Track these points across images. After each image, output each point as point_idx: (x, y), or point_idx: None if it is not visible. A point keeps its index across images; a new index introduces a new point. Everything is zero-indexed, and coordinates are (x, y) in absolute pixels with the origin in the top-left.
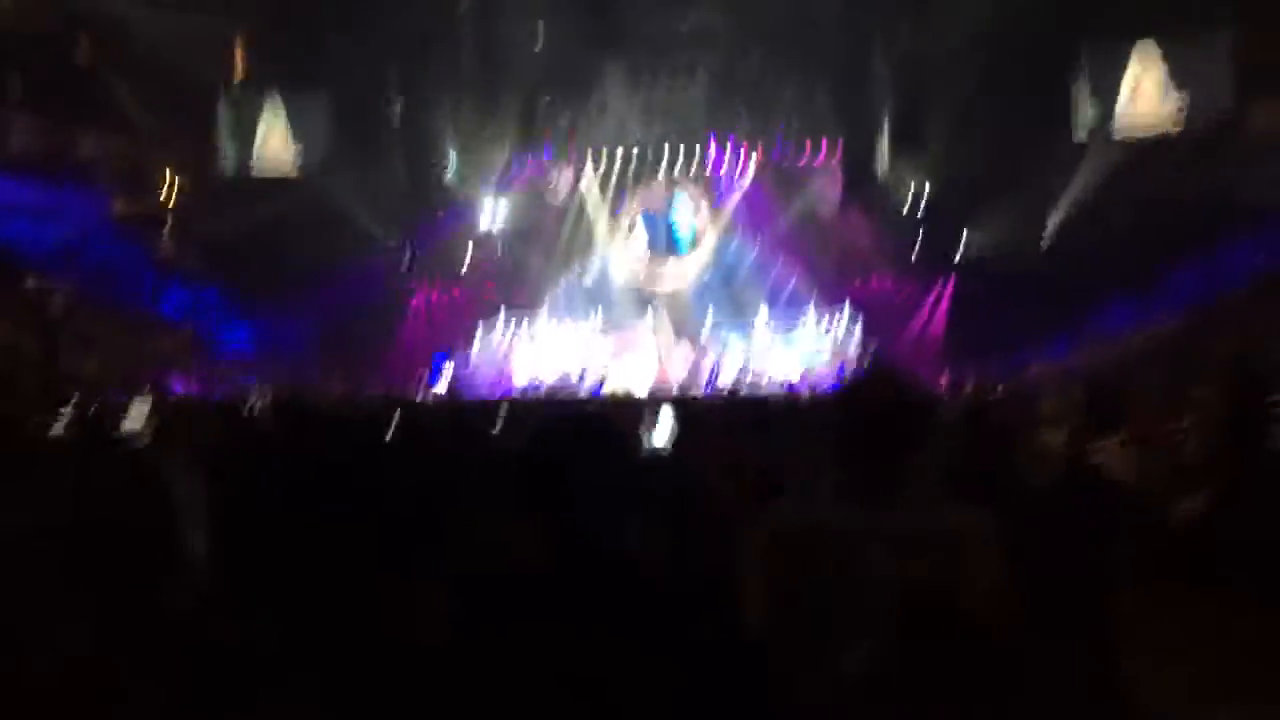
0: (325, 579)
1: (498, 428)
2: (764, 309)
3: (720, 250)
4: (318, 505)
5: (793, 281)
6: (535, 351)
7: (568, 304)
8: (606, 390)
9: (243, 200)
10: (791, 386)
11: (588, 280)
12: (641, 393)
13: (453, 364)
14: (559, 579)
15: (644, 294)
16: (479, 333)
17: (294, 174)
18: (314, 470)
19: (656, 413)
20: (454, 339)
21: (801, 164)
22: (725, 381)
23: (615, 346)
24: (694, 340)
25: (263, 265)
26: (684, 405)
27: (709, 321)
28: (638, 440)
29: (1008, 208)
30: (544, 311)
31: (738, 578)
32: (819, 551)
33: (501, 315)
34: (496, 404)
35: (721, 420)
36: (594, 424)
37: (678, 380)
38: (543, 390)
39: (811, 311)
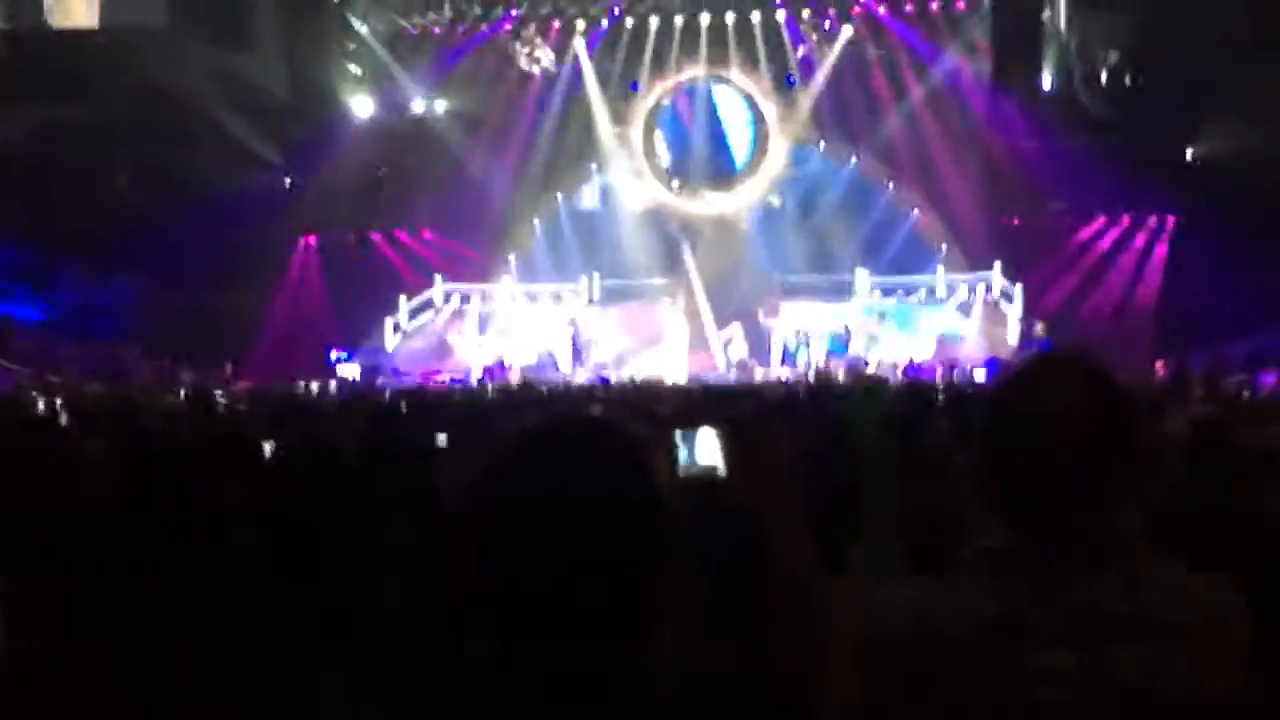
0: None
1: (436, 439)
2: (862, 271)
3: (794, 169)
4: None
5: (912, 220)
6: (498, 325)
7: (550, 256)
8: (618, 377)
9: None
10: (914, 371)
11: (576, 217)
12: (674, 378)
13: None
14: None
15: (669, 237)
16: (406, 300)
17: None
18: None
19: (695, 411)
20: (368, 308)
21: (922, 26)
22: (805, 366)
23: (623, 323)
24: (754, 310)
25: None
26: (736, 400)
27: (775, 282)
28: (664, 457)
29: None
30: (509, 266)
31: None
32: (958, 665)
33: (439, 283)
34: (425, 396)
35: (800, 425)
36: (593, 434)
37: (730, 363)
38: (507, 377)
39: (941, 271)
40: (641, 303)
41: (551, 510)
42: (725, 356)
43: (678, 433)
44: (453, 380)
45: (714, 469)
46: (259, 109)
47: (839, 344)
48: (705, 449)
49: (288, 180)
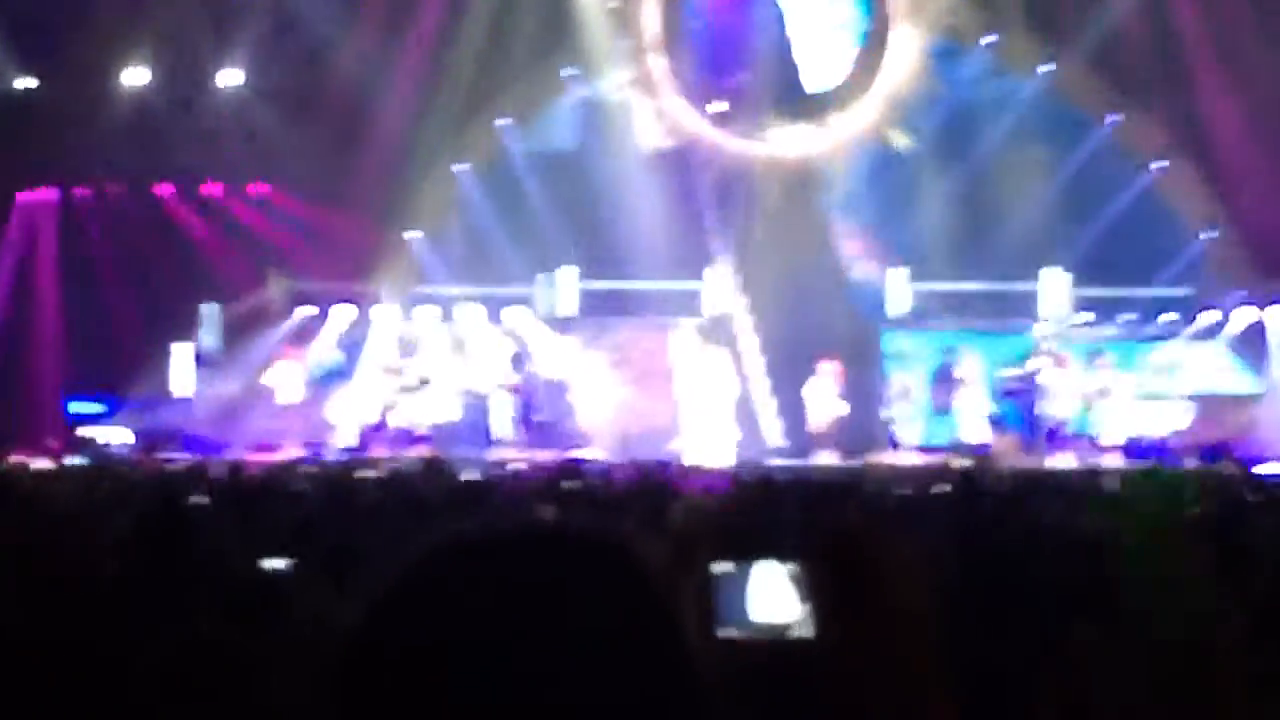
0: None
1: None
2: (1055, 274)
3: (935, 84)
4: None
5: (1149, 182)
6: (384, 358)
7: (484, 235)
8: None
9: None
10: (1150, 452)
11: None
12: (708, 458)
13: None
14: None
15: (703, 202)
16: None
17: None
18: None
19: (750, 526)
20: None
21: None
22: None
23: (615, 358)
24: (859, 339)
25: None
26: (828, 503)
27: (898, 291)
28: (693, 605)
29: None
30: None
31: None
32: None
33: (276, 280)
34: (247, 482)
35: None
36: (561, 559)
37: (818, 436)
38: (402, 450)
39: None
40: (649, 323)
41: (490, 701)
42: (811, 420)
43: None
44: (305, 453)
45: (784, 629)
46: None
47: (1014, 401)
48: (768, 595)
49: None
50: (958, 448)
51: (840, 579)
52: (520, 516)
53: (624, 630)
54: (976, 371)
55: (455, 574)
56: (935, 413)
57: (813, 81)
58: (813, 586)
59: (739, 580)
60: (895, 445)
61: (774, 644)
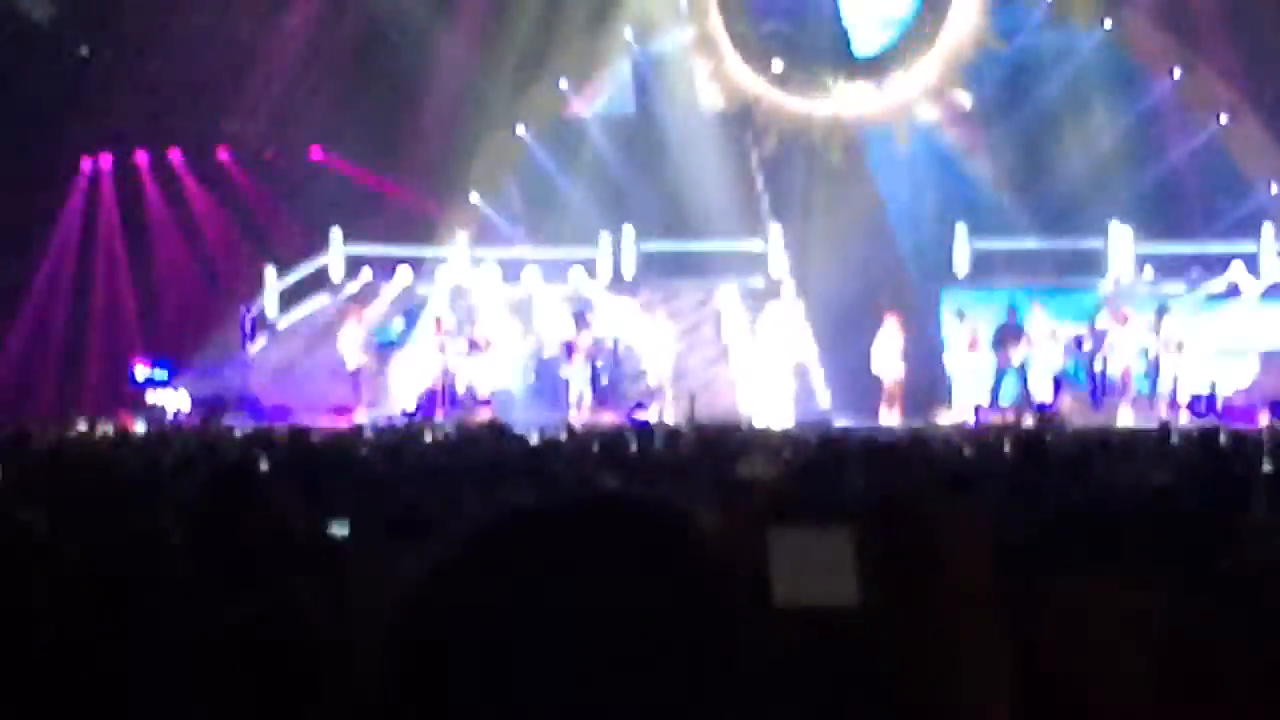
0: None
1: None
2: (1122, 231)
3: (996, 40)
4: None
5: (1215, 136)
6: (444, 322)
7: (542, 198)
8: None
9: None
10: (1215, 413)
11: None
12: (768, 419)
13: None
14: None
15: (764, 164)
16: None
17: None
18: None
19: (807, 487)
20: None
21: None
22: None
23: (674, 319)
24: (920, 297)
25: None
26: (887, 463)
27: (959, 249)
28: (752, 574)
29: None
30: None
31: None
32: None
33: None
34: (308, 447)
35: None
36: (624, 528)
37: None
38: (461, 414)
39: (1270, 234)
40: (709, 282)
41: (546, 673)
42: (876, 375)
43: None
44: (367, 417)
45: (841, 599)
46: None
47: (1079, 362)
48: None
49: (84, 51)
50: (1022, 406)
51: (899, 550)
52: (581, 483)
53: (678, 601)
54: (1040, 329)
55: (515, 544)
56: (999, 371)
57: (873, 40)
58: (871, 556)
59: (797, 548)
60: (958, 404)
61: (829, 615)
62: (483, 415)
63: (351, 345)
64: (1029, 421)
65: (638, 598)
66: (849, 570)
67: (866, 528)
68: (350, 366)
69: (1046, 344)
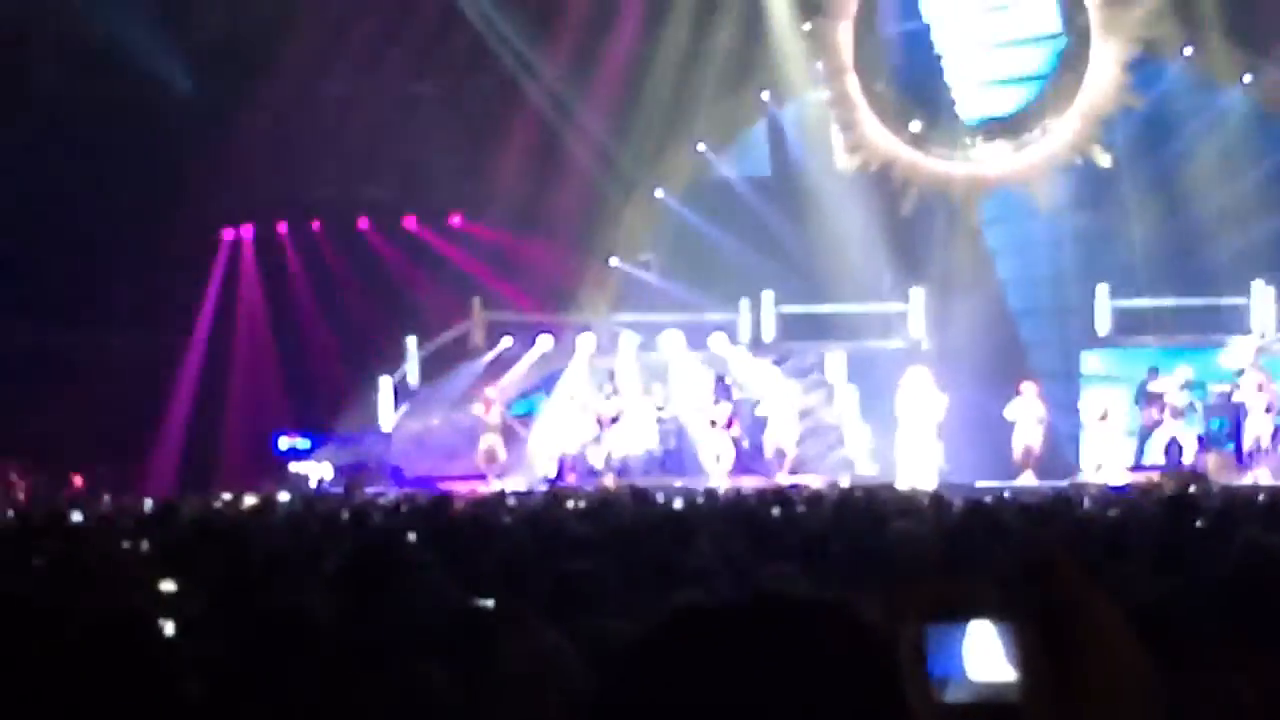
0: None
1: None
2: (1264, 290)
3: (1134, 96)
4: None
5: None
6: (585, 387)
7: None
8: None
9: None
10: None
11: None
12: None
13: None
14: None
15: (903, 224)
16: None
17: None
18: None
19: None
20: (349, 358)
21: None
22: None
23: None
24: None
25: None
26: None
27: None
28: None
29: None
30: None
31: None
32: None
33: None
34: (451, 516)
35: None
36: (816, 640)
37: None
38: (599, 481)
39: None
40: (850, 346)
41: None
42: (1015, 441)
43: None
44: (508, 485)
45: (1002, 692)
46: None
47: (1223, 421)
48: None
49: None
50: (1166, 467)
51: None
52: (728, 560)
53: (852, 702)
54: (1183, 389)
55: (694, 642)
56: (1142, 431)
57: (1011, 99)
58: (1027, 646)
59: (955, 637)
60: (1100, 465)
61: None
62: (624, 481)
63: (488, 412)
64: (1174, 482)
65: (812, 693)
66: (1010, 668)
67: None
68: (485, 433)
69: (1189, 404)
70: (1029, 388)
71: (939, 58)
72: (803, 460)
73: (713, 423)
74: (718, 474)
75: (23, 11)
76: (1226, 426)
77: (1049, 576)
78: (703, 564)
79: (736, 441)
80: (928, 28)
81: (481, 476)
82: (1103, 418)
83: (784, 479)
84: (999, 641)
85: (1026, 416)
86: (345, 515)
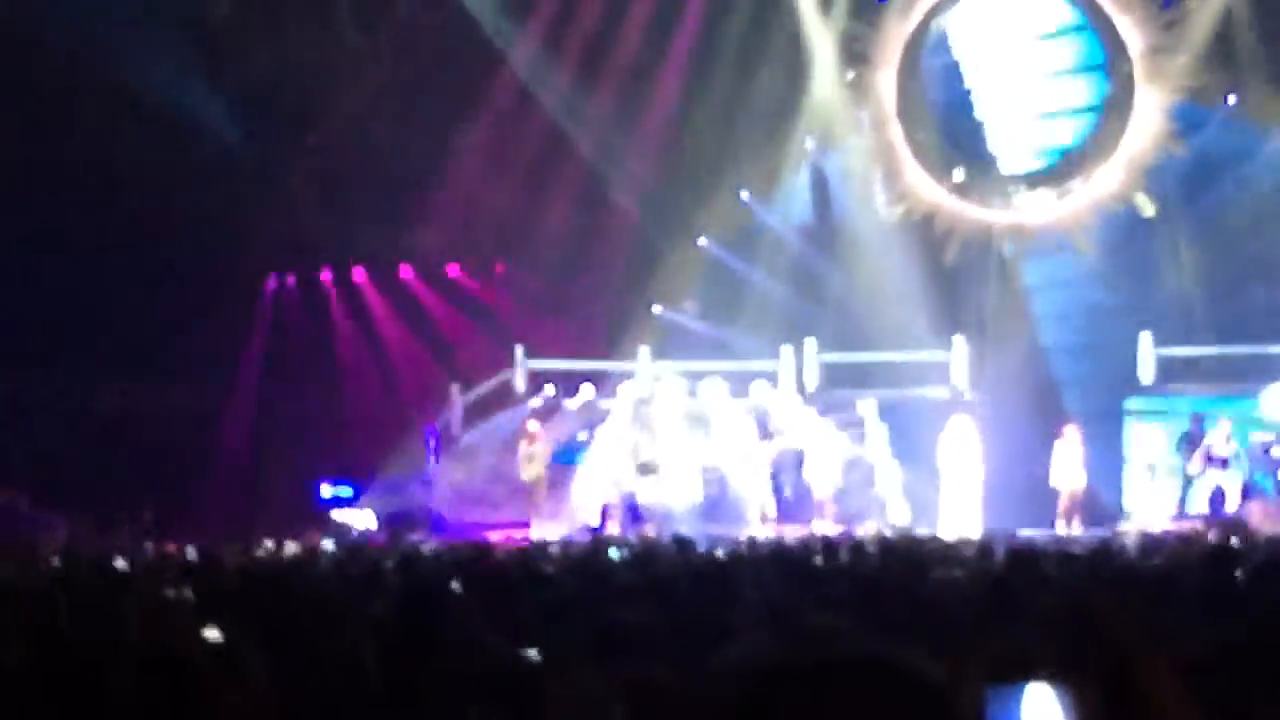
0: None
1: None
2: None
3: (1177, 145)
4: None
5: None
6: (628, 435)
7: (724, 309)
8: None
9: None
10: None
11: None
12: (956, 528)
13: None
14: None
15: (946, 273)
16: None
17: None
18: None
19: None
20: (390, 406)
21: None
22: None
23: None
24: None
25: None
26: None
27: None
28: None
29: None
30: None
31: None
32: None
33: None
34: (498, 567)
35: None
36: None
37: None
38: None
39: None
40: (893, 395)
41: None
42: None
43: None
44: (551, 533)
45: None
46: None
47: (1267, 469)
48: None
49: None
50: (1210, 515)
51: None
52: (782, 614)
53: None
54: (1227, 437)
55: (780, 702)
56: (1185, 479)
57: (1054, 148)
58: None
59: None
60: (1142, 514)
61: None
62: (666, 529)
63: (530, 460)
64: (1218, 532)
65: None
66: None
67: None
68: (527, 480)
69: (1233, 452)
70: (1072, 430)
71: (980, 112)
72: (845, 508)
73: (752, 469)
74: (759, 521)
75: (68, 61)
76: (1270, 475)
77: (1102, 632)
78: (748, 613)
79: (778, 489)
80: (969, 78)
81: (524, 524)
82: (1146, 466)
83: (826, 527)
84: (1057, 703)
85: (1068, 463)
86: (388, 563)
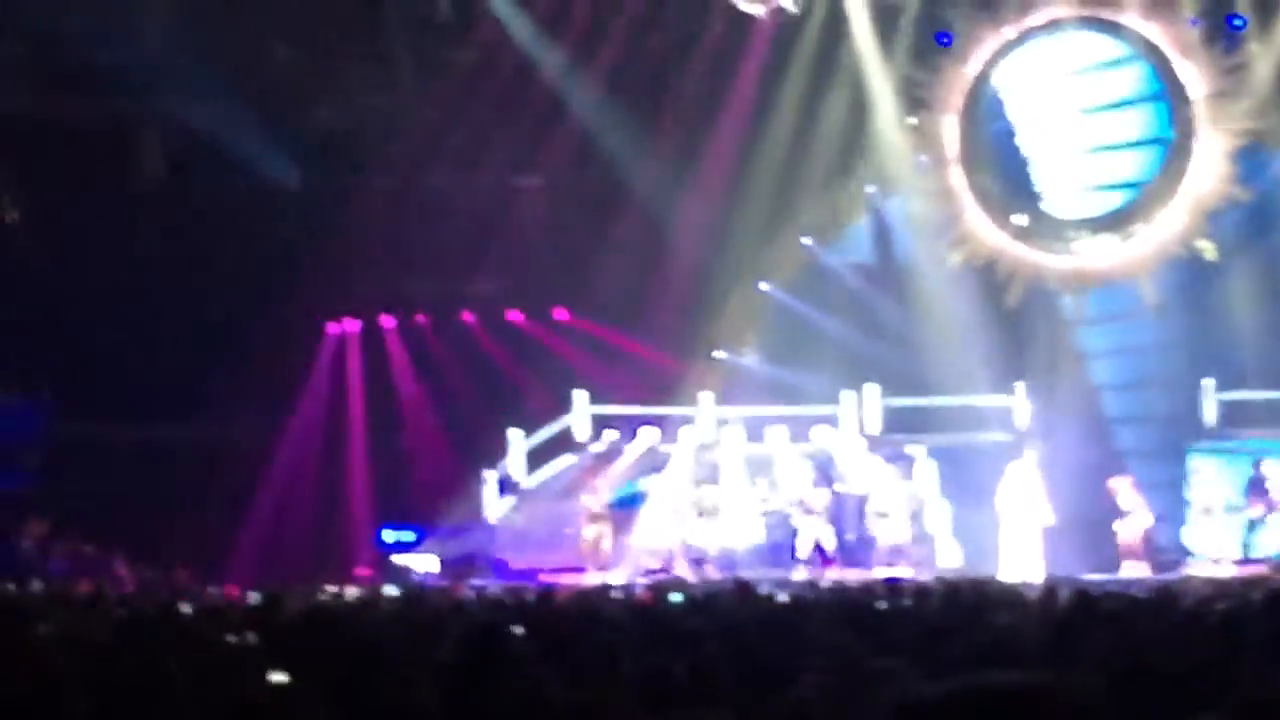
0: None
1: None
2: None
3: (1241, 189)
4: None
5: None
6: (690, 481)
7: (787, 354)
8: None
9: None
10: None
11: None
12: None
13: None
14: None
15: (1009, 316)
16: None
17: None
18: None
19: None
20: (454, 449)
21: None
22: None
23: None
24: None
25: None
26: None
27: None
28: None
29: None
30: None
31: None
32: None
33: (581, 403)
34: (561, 610)
35: None
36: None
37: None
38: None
39: None
40: (956, 439)
41: None
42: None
43: None
44: (612, 578)
45: None
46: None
47: None
48: None
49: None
50: (1274, 559)
51: None
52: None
53: None
54: None
55: None
56: (1250, 523)
57: (1118, 196)
58: None
59: None
60: (1205, 559)
61: None
62: (728, 574)
63: (591, 504)
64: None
65: None
66: None
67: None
68: (592, 523)
69: None
70: (1121, 483)
71: (1040, 156)
72: (906, 552)
73: (815, 515)
74: (819, 566)
75: (132, 107)
76: None
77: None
78: (811, 658)
79: (840, 534)
80: (1032, 123)
81: (582, 569)
82: (1206, 510)
83: (886, 571)
84: None
85: (1133, 505)
86: (451, 607)
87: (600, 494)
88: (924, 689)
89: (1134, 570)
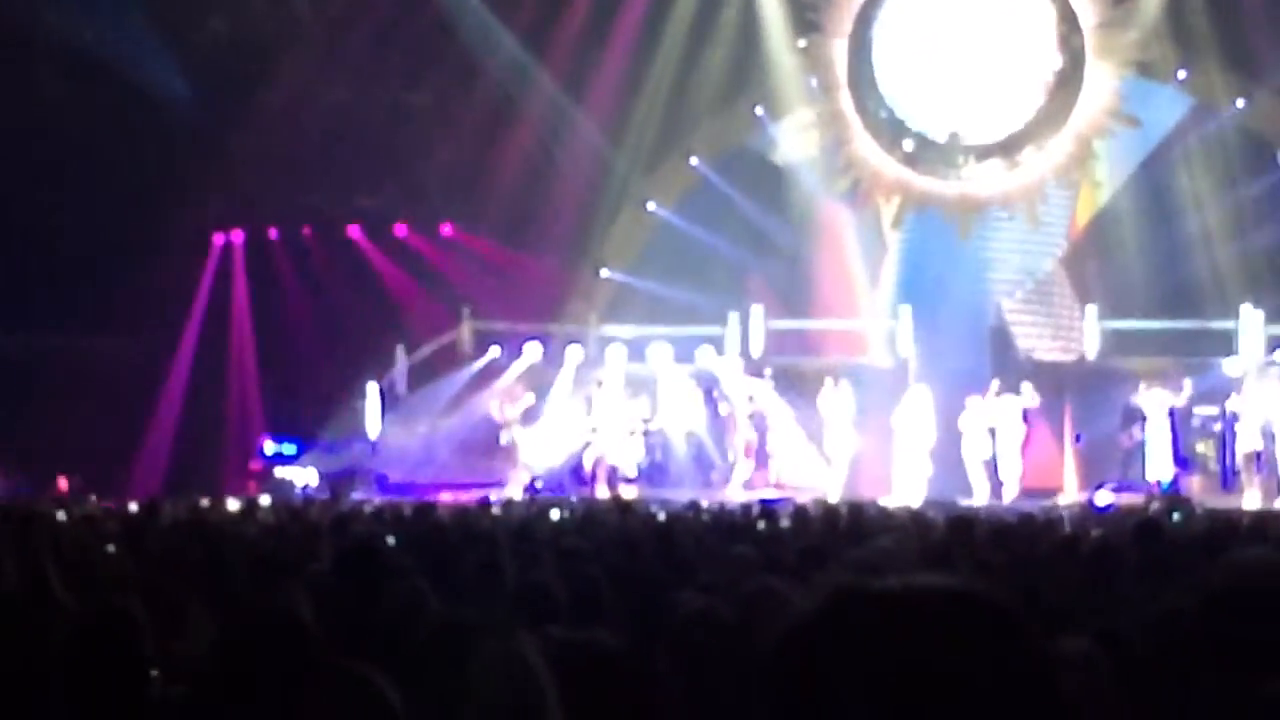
0: None
1: None
2: (1251, 313)
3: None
4: None
5: None
6: (573, 399)
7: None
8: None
9: None
10: None
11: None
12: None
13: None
14: None
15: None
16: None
17: None
18: None
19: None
20: (336, 365)
21: None
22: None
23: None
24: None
25: None
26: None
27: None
28: None
29: None
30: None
31: None
32: None
33: (466, 320)
34: (437, 523)
35: None
36: (970, 625)
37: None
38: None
39: None
40: (837, 363)
41: None
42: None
43: None
44: (489, 493)
45: None
46: None
47: (1209, 438)
48: None
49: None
50: (1151, 487)
51: None
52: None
53: (1017, 690)
54: (1168, 409)
55: (865, 620)
56: (1125, 452)
57: (1003, 120)
58: None
59: None
60: (1081, 485)
61: None
62: (609, 490)
63: (506, 407)
64: (1157, 503)
65: (983, 680)
66: None
67: None
68: (506, 429)
69: (1170, 424)
70: (974, 402)
71: (931, 82)
72: (783, 473)
73: (697, 435)
74: (701, 485)
75: (25, 17)
76: (1212, 447)
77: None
78: (689, 576)
79: (724, 454)
80: (921, 48)
81: (463, 486)
82: (1077, 440)
83: (770, 493)
84: None
85: (1007, 431)
86: (330, 520)
87: (511, 399)
88: (869, 580)
89: (1012, 495)
